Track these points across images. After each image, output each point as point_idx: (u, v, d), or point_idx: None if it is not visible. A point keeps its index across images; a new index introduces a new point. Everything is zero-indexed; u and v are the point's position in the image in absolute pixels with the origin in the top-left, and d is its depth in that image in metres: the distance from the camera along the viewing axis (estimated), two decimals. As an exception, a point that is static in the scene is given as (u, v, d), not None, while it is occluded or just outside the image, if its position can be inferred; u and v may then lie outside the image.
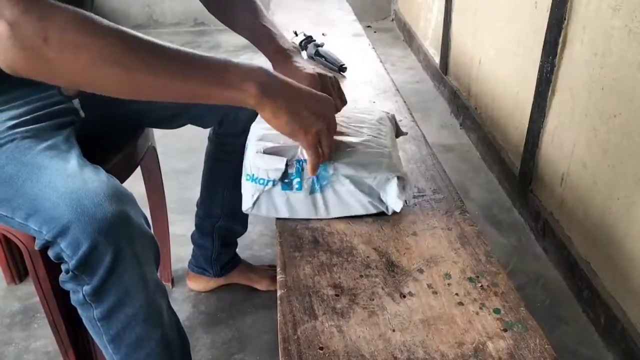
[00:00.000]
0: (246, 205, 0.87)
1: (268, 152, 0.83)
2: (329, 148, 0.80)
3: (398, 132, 1.02)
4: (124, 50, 0.66)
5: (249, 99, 0.72)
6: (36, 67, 0.65)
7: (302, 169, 0.83)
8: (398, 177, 0.85)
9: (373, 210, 0.87)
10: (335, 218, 0.87)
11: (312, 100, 0.77)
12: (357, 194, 0.85)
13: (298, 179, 0.84)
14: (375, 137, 0.90)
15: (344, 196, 0.85)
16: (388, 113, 1.01)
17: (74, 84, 0.70)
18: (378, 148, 0.88)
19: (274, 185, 0.84)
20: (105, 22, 0.66)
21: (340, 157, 0.85)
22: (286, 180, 0.84)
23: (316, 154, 0.79)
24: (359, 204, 0.86)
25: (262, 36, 1.05)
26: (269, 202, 0.86)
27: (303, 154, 0.83)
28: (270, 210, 0.86)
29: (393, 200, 0.85)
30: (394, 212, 0.88)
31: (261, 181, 0.84)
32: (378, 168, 0.85)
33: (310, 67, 0.99)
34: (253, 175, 0.84)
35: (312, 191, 0.84)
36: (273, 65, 1.02)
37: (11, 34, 0.62)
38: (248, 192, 0.86)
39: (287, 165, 0.83)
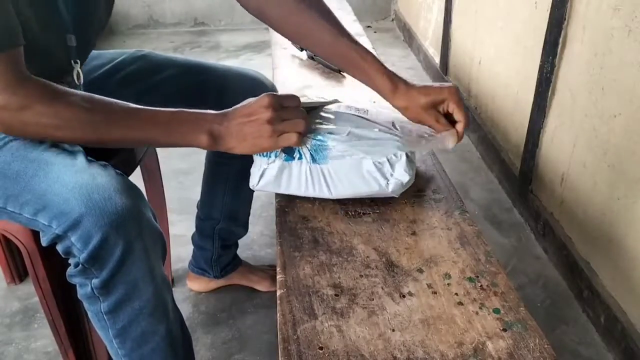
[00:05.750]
0: (253, 181, 0.89)
1: None
2: (293, 128, 0.82)
3: None
4: (94, 127, 0.78)
5: (204, 147, 0.82)
6: (20, 136, 0.82)
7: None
8: (407, 155, 0.85)
9: (375, 188, 0.85)
10: (336, 209, 0.87)
11: (243, 113, 0.81)
12: (361, 166, 0.84)
13: (297, 148, 0.85)
14: (392, 129, 0.90)
15: (346, 169, 0.84)
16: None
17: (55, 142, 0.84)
18: (392, 135, 0.88)
19: (276, 156, 0.86)
20: (76, 97, 0.77)
21: (348, 136, 0.86)
22: (288, 151, 0.86)
23: (286, 139, 0.82)
24: (361, 179, 0.85)
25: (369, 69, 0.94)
26: (274, 176, 0.87)
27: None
28: (274, 185, 0.88)
29: (400, 173, 0.85)
30: (393, 213, 0.87)
31: (264, 154, 0.86)
32: (386, 144, 0.85)
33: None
34: None
35: (314, 161, 0.85)
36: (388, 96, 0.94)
37: None
38: (255, 168, 0.89)
39: None
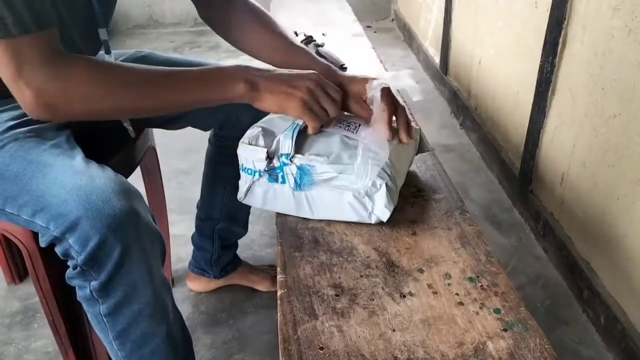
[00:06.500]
0: (240, 194, 0.91)
1: (252, 142, 0.87)
2: (324, 108, 0.86)
3: (422, 148, 1.00)
4: (135, 93, 0.79)
5: (240, 97, 0.84)
6: (63, 118, 0.82)
7: (286, 164, 0.85)
8: (387, 185, 0.83)
9: (355, 218, 0.85)
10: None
11: (288, 76, 0.85)
12: (342, 198, 0.84)
13: (282, 173, 0.85)
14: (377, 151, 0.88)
15: (328, 198, 0.85)
16: (415, 128, 0.97)
17: (95, 119, 0.86)
18: (373, 154, 0.86)
19: (260, 176, 0.87)
20: (115, 65, 0.81)
21: (331, 158, 0.84)
22: (272, 173, 0.86)
23: (311, 117, 0.85)
24: (342, 209, 0.85)
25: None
26: (259, 193, 0.89)
27: (285, 146, 0.84)
28: (260, 201, 0.89)
29: (380, 209, 0.84)
30: (393, 213, 0.87)
31: (249, 171, 0.87)
32: (366, 174, 0.83)
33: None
34: (243, 165, 0.88)
35: (297, 187, 0.85)
36: None
37: (38, 100, 0.74)
38: (242, 182, 0.90)
39: (271, 157, 0.85)
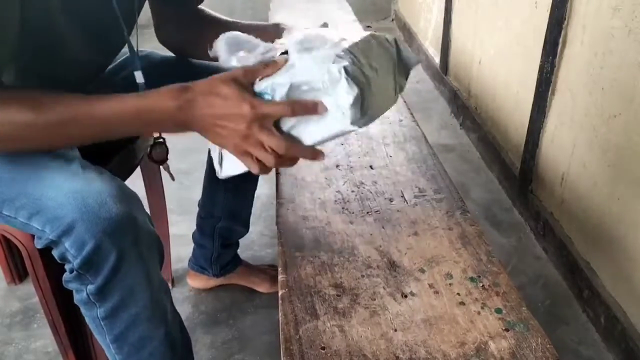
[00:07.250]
0: (217, 170, 0.83)
1: None
2: (263, 158, 0.74)
3: (406, 61, 0.79)
4: (39, 137, 0.75)
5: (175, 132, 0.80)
6: None
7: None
8: (346, 69, 0.69)
9: (338, 127, 0.71)
10: (338, 209, 0.87)
11: (218, 117, 0.74)
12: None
13: None
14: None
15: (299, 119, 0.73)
16: (386, 37, 0.78)
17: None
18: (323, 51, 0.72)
19: None
20: (20, 103, 0.73)
21: (287, 68, 0.73)
22: None
23: (250, 162, 0.75)
24: (319, 122, 0.72)
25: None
26: (232, 156, 0.78)
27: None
28: (238, 164, 0.78)
29: (342, 97, 0.69)
30: (394, 213, 0.87)
31: None
32: (316, 65, 0.70)
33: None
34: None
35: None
36: None
37: None
38: (214, 154, 0.82)
39: None
